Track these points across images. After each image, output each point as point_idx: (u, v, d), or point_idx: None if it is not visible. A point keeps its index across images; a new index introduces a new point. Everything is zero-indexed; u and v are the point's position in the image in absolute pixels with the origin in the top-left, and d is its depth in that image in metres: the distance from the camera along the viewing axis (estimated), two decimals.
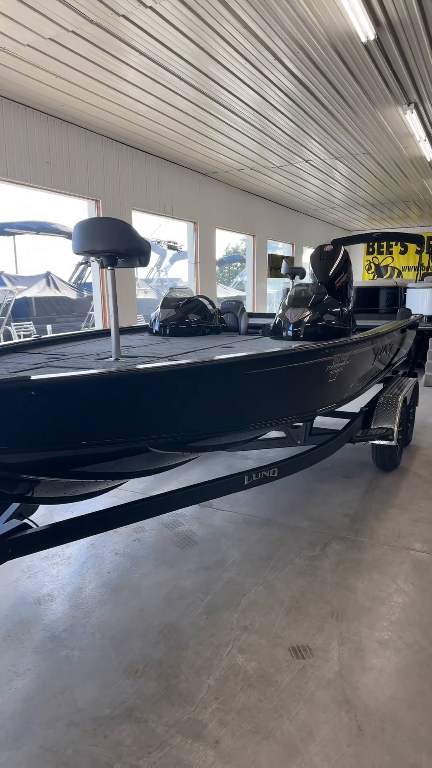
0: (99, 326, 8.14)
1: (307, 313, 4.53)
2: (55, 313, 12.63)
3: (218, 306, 6.15)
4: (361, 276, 21.39)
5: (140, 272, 18.02)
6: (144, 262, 3.31)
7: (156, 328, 5.21)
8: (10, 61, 5.66)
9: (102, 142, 7.80)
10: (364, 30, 5.02)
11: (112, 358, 3.40)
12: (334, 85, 6.53)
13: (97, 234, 3.11)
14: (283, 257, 12.84)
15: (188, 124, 7.79)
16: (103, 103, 6.79)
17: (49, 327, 11.30)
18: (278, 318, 4.76)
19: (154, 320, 5.28)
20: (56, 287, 13.57)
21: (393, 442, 5.09)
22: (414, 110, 7.09)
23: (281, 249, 15.56)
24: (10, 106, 6.54)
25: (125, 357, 3.59)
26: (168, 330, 5.14)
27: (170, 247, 9.84)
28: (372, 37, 5.13)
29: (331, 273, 7.91)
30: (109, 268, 3.21)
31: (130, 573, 3.58)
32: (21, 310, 11.68)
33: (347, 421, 5.10)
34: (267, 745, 2.22)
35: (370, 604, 3.19)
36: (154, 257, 17.95)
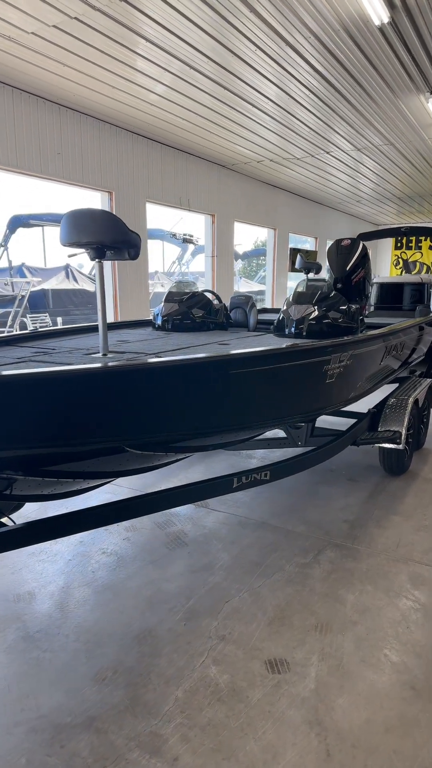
0: (110, 318, 8.10)
1: (312, 310, 4.35)
2: (72, 306, 12.68)
3: (227, 301, 6.00)
4: (388, 271, 20.89)
5: (161, 265, 18.02)
6: (134, 255, 3.21)
7: (158, 322, 5.12)
8: (16, 50, 5.61)
9: (115, 132, 7.72)
10: (378, 13, 4.78)
11: (99, 354, 3.32)
12: (352, 74, 6.29)
13: (84, 226, 3.03)
14: (297, 251, 12.57)
15: (207, 116, 7.65)
16: (116, 93, 6.71)
17: (59, 319, 11.34)
18: (282, 314, 4.61)
19: (157, 315, 5.19)
20: (75, 279, 13.64)
21: (400, 446, 4.88)
22: None
23: (309, 244, 15.30)
24: (21, 96, 6.51)
25: (113, 352, 3.50)
26: (170, 325, 5.04)
27: (186, 240, 9.71)
28: (386, 20, 4.89)
29: (348, 268, 7.68)
30: (97, 260, 3.12)
31: (115, 573, 3.50)
32: (39, 301, 11.77)
33: (356, 421, 4.93)
34: (227, 766, 2.11)
35: (358, 617, 3.04)
36: (174, 250, 17.89)
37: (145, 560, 3.65)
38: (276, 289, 12.77)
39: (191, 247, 14.35)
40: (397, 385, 6.12)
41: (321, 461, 4.15)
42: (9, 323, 10.19)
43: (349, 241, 7.85)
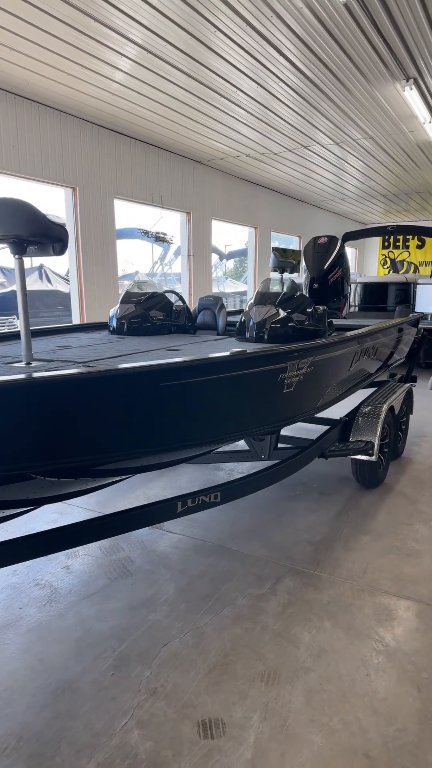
0: (76, 320, 7.71)
1: (273, 311, 3.98)
2: (45, 307, 12.28)
3: (195, 302, 5.59)
4: (375, 271, 20.60)
5: (142, 266, 17.59)
6: (60, 250, 2.83)
7: (113, 325, 4.73)
8: None
9: (78, 124, 7.29)
10: None
11: (22, 363, 2.94)
12: (322, 59, 5.93)
13: None
14: (275, 249, 12.19)
15: (178, 110, 7.28)
16: (79, 84, 6.32)
17: (15, 319, 10.86)
18: (243, 317, 4.24)
19: (112, 317, 4.81)
20: (49, 281, 13.24)
21: (373, 458, 4.52)
22: (414, 86, 6.44)
23: (295, 244, 14.97)
24: None
25: (40, 360, 3.12)
26: (126, 328, 4.66)
27: (159, 239, 9.31)
28: None
29: (325, 267, 7.35)
30: (16, 256, 2.74)
31: (44, 610, 3.11)
32: (8, 303, 11.35)
33: (325, 431, 4.56)
34: None
35: (312, 663, 2.66)
36: (157, 250, 17.48)
37: (80, 594, 3.26)
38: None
39: (174, 246, 13.97)
40: (374, 389, 5.78)
41: (281, 478, 3.78)
42: None
43: (326, 239, 7.51)
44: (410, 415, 6.13)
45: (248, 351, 2.90)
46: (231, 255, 20.51)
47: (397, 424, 5.48)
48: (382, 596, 3.21)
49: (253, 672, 2.60)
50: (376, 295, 12.36)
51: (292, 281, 4.46)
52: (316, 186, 12.53)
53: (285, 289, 4.31)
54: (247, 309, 4.20)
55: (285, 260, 7.42)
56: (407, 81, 6.32)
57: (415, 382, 6.67)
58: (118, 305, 4.88)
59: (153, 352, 3.55)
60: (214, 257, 19.99)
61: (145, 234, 9.23)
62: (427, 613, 3.05)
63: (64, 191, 7.36)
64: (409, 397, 5.93)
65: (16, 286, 3.21)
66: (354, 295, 12.60)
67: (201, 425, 2.80)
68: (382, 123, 7.96)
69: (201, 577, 3.43)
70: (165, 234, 9.42)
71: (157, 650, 2.76)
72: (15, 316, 10.50)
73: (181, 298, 5.46)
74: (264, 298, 4.13)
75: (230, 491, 3.27)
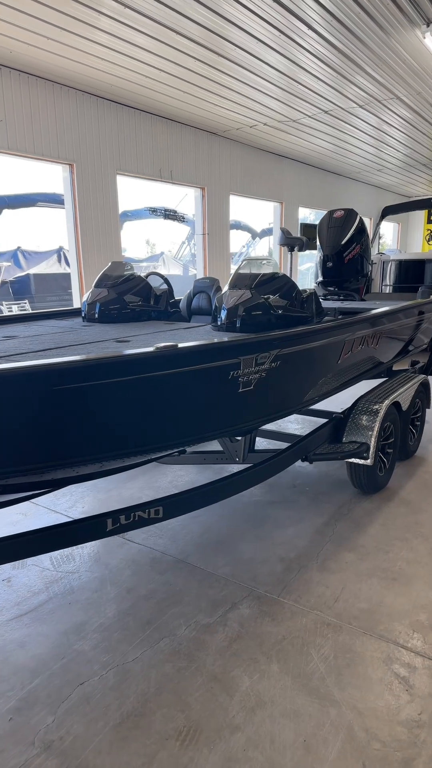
0: (77, 304, 7.40)
1: (247, 295, 3.48)
2: (61, 290, 12.06)
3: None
4: (420, 247, 19.34)
5: (168, 247, 17.11)
6: None
7: (84, 311, 4.37)
8: None
9: (74, 96, 6.84)
10: None
11: None
12: (347, 26, 5.22)
13: None
14: (306, 225, 11.46)
15: (189, 79, 6.73)
16: (74, 53, 5.89)
17: (27, 304, 10.70)
18: (216, 302, 3.77)
19: (84, 302, 4.44)
20: (67, 263, 12.99)
21: (368, 461, 3.99)
22: None
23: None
24: None
25: None
26: (98, 314, 4.27)
27: (168, 216, 8.82)
28: None
29: (342, 243, 6.69)
30: None
31: None
32: (23, 287, 11.22)
33: (311, 431, 4.06)
34: None
35: (242, 719, 2.24)
36: (184, 230, 16.90)
37: (11, 613, 2.96)
38: (283, 270, 11.73)
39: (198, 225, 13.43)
40: (383, 381, 5.19)
41: (245, 488, 3.33)
42: None
43: (343, 212, 6.84)
44: (427, 410, 5.48)
45: (181, 345, 2.45)
46: (265, 233, 19.72)
47: (407, 421, 4.88)
48: (347, 633, 2.73)
49: (171, 727, 2.21)
50: (411, 274, 11.43)
51: (275, 262, 3.91)
52: (349, 156, 11.64)
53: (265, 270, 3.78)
54: (221, 293, 3.72)
55: (293, 237, 6.82)
56: (428, 26, 5.50)
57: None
58: (91, 289, 4.51)
59: (100, 343, 3.14)
60: (246, 236, 19.29)
61: (153, 212, 8.77)
62: (397, 659, 2.55)
63: (61, 168, 7.00)
64: (425, 390, 5.28)
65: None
66: (387, 274, 11.74)
67: (125, 432, 2.39)
68: (405, 78, 7.10)
69: (148, 599, 3.05)
70: (175, 211, 8.92)
71: (70, 690, 2.41)
72: (26, 300, 10.39)
73: (166, 281, 5.02)
74: (240, 280, 3.63)
75: (174, 506, 2.86)
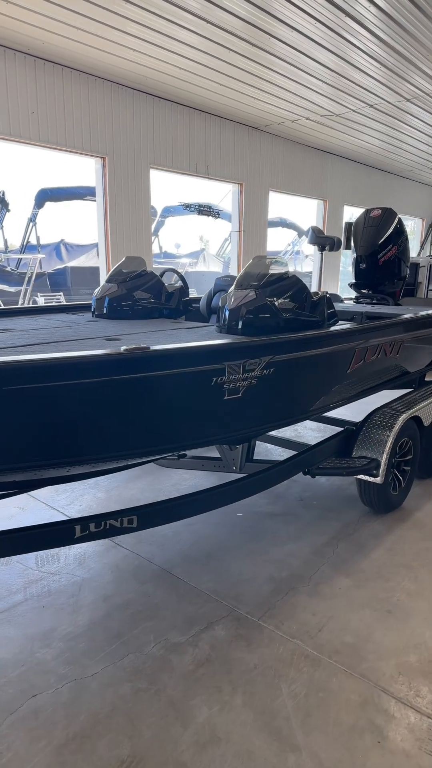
0: None
1: (252, 296, 3.29)
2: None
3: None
4: None
5: (211, 245, 16.95)
6: None
7: (93, 306, 4.29)
8: None
9: (109, 88, 6.76)
10: None
11: None
12: (402, 25, 4.92)
13: None
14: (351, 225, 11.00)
15: (231, 74, 6.56)
16: (108, 45, 5.82)
17: (61, 296, 10.75)
18: (220, 302, 3.60)
19: (93, 297, 4.36)
20: None
21: (378, 479, 3.71)
22: None
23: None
24: None
25: None
26: (106, 310, 4.18)
27: (202, 212, 8.64)
28: None
29: (377, 244, 6.36)
30: None
31: None
32: (61, 279, 11.33)
33: (318, 442, 3.82)
34: None
35: (191, 755, 2.07)
36: (227, 227, 16.69)
37: None
38: (324, 270, 11.36)
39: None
40: (409, 391, 4.86)
41: (232, 500, 3.15)
42: (20, 302, 9.84)
43: (380, 211, 6.49)
44: None
45: (153, 348, 2.29)
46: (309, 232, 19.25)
47: (431, 437, 4.53)
48: (325, 669, 2.51)
49: (114, 755, 2.07)
50: None
51: (286, 262, 3.69)
52: (400, 153, 11.12)
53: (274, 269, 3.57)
54: (228, 293, 3.54)
55: (324, 236, 6.53)
56: None
57: None
58: (101, 284, 4.43)
59: (90, 341, 3.03)
60: (292, 233, 18.90)
61: (187, 207, 8.63)
62: (375, 705, 2.31)
63: (94, 161, 6.97)
64: None
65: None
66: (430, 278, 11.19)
67: (82, 437, 2.26)
68: None
69: (123, 609, 2.92)
70: (210, 207, 8.75)
71: (19, 702, 2.31)
72: (61, 293, 10.50)
73: (181, 279, 4.87)
74: (246, 279, 3.43)
75: (150, 516, 2.72)
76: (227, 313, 3.30)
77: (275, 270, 3.52)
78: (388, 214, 6.33)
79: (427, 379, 5.85)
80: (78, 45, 5.85)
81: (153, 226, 14.64)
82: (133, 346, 2.21)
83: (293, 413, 3.27)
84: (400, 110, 8.25)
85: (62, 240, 13.16)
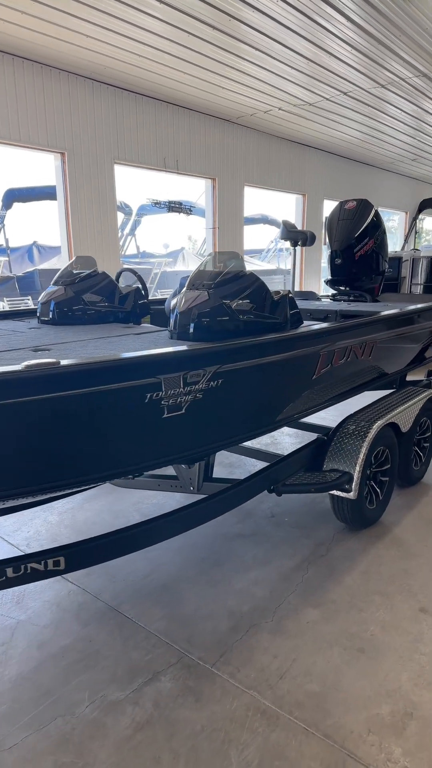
0: None
1: (203, 297, 2.93)
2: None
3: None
4: None
5: (190, 243, 16.52)
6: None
7: (38, 311, 3.92)
8: None
9: (66, 79, 6.34)
10: None
11: None
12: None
13: None
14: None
15: (198, 62, 6.19)
16: (61, 32, 5.42)
17: (29, 300, 10.31)
18: (172, 304, 3.25)
19: (39, 302, 4.00)
20: None
21: (351, 495, 3.37)
22: None
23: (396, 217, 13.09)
24: None
25: None
26: (52, 314, 3.82)
27: (173, 209, 8.27)
28: None
29: (354, 237, 6.02)
30: None
31: None
32: (30, 282, 10.91)
33: (283, 456, 3.48)
34: None
35: None
36: (271, 231, 16.05)
37: None
38: (305, 267, 11.02)
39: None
40: (390, 392, 4.54)
41: (184, 530, 2.80)
42: None
43: (355, 203, 6.15)
44: None
45: (64, 362, 1.94)
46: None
47: (410, 444, 4.21)
48: (284, 728, 2.16)
49: None
50: None
51: (241, 258, 3.33)
52: (381, 145, 10.78)
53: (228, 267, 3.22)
54: (180, 294, 3.19)
55: (297, 231, 6.20)
56: None
57: None
58: (48, 287, 4.06)
59: (12, 352, 2.66)
60: (274, 230, 18.54)
61: (156, 204, 8.26)
62: None
63: (53, 157, 6.58)
64: None
65: None
66: (419, 273, 10.89)
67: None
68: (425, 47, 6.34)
69: (58, 659, 2.56)
70: (180, 203, 8.38)
71: None
72: (29, 297, 10.10)
73: (139, 279, 4.51)
74: (199, 279, 3.08)
75: (80, 556, 2.36)
76: (177, 316, 2.95)
77: (230, 268, 3.18)
78: (364, 205, 6.00)
79: (409, 378, 5.55)
80: (30, 33, 5.46)
81: (129, 225, 14.28)
82: (36, 362, 1.85)
83: (251, 427, 2.92)
84: (379, 99, 7.93)
85: (35, 242, 12.74)
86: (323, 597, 3.00)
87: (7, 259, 10.52)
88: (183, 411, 2.38)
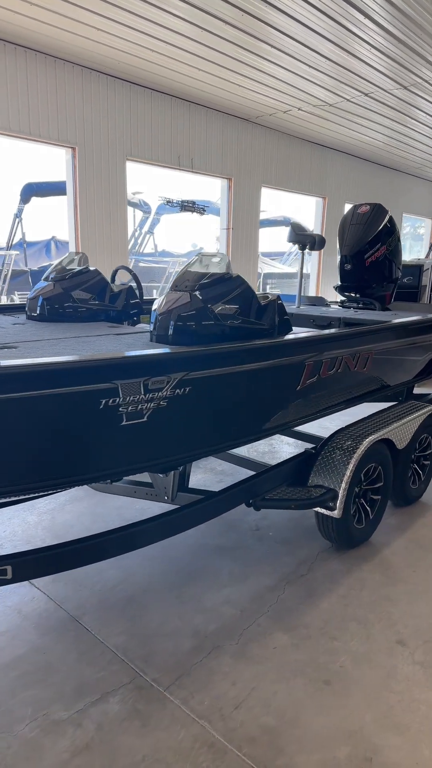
0: None
1: (185, 300, 2.81)
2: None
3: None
4: None
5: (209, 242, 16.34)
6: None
7: (27, 307, 3.85)
8: None
9: (80, 73, 6.26)
10: None
11: None
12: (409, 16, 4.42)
13: None
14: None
15: (216, 61, 6.09)
16: (76, 27, 5.35)
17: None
18: (153, 306, 3.13)
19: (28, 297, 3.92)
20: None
21: (335, 513, 3.20)
22: None
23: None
24: None
25: None
26: (40, 311, 3.74)
27: (185, 208, 8.13)
28: None
29: (366, 242, 5.83)
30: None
31: None
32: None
33: (266, 469, 3.32)
34: None
35: None
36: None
37: None
38: (322, 271, 10.79)
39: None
40: (392, 405, 4.34)
41: (150, 542, 2.67)
42: None
43: (368, 207, 5.95)
44: None
45: (2, 364, 1.83)
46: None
47: (407, 462, 4.01)
48: (230, 766, 2.01)
49: None
50: None
51: (228, 260, 3.19)
52: (407, 149, 10.51)
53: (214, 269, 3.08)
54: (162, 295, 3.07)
55: (305, 233, 6.01)
56: None
57: None
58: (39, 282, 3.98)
59: None
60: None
61: (168, 203, 8.15)
62: None
63: (64, 152, 6.53)
64: None
65: None
66: None
67: None
68: None
69: (7, 671, 2.46)
70: (194, 202, 8.26)
71: None
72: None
73: (134, 277, 4.41)
74: (182, 280, 2.95)
75: (28, 567, 2.25)
76: (157, 318, 2.82)
77: (215, 269, 3.04)
78: (378, 210, 5.79)
79: (418, 391, 5.32)
80: (44, 26, 5.41)
81: (148, 224, 14.24)
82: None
83: (226, 438, 2.78)
84: (406, 103, 7.70)
85: (53, 237, 12.81)
86: (296, 621, 2.84)
87: (17, 252, 10.56)
88: (145, 419, 2.25)
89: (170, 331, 2.74)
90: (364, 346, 3.48)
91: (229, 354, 2.53)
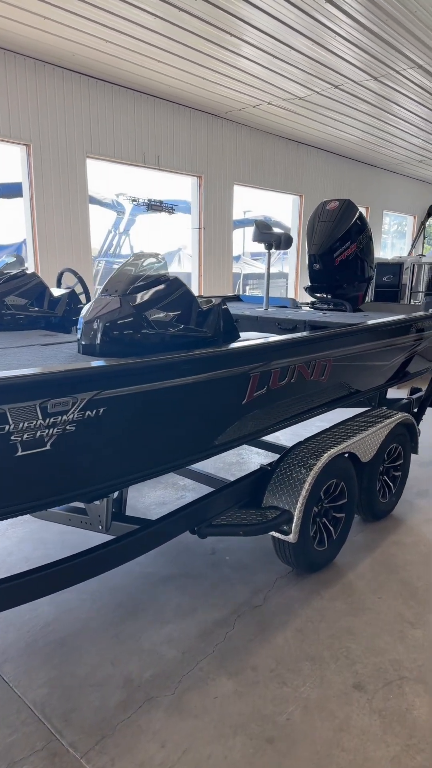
0: None
1: (114, 305, 2.50)
2: None
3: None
4: None
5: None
6: None
7: None
8: None
9: (32, 67, 5.96)
10: None
11: None
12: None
13: None
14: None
15: (180, 53, 5.80)
16: (27, 17, 5.03)
17: None
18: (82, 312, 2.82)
19: None
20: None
21: (290, 537, 2.91)
22: None
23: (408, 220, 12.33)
24: None
25: None
26: None
27: (152, 208, 7.82)
28: None
29: (335, 241, 5.56)
30: None
31: None
32: None
33: (213, 491, 3.02)
34: None
35: None
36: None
37: None
38: (300, 271, 10.53)
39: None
40: (357, 414, 4.05)
41: (83, 579, 2.37)
42: None
43: (337, 203, 5.67)
44: (414, 455, 4.27)
45: None
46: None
47: (374, 475, 3.72)
48: None
49: None
50: None
51: (164, 260, 2.88)
52: (385, 145, 10.27)
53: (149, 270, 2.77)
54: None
55: (270, 232, 5.72)
56: None
57: (423, 412, 4.76)
58: None
59: None
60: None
61: (134, 202, 7.85)
62: None
63: (19, 149, 6.21)
64: (408, 432, 4.09)
65: None
66: (421, 280, 10.32)
67: None
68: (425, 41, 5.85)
69: None
70: (161, 202, 7.95)
71: None
72: None
73: (80, 281, 4.10)
74: (113, 283, 2.64)
75: None
76: (83, 326, 2.52)
77: (150, 272, 2.74)
78: (347, 206, 5.52)
79: (392, 396, 5.05)
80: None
81: (123, 224, 13.91)
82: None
83: (157, 463, 2.47)
84: (381, 97, 7.45)
85: (25, 240, 12.43)
86: (243, 662, 2.54)
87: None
88: (48, 447, 1.95)
89: (97, 341, 2.43)
90: (320, 353, 3.19)
91: (150, 368, 2.22)
